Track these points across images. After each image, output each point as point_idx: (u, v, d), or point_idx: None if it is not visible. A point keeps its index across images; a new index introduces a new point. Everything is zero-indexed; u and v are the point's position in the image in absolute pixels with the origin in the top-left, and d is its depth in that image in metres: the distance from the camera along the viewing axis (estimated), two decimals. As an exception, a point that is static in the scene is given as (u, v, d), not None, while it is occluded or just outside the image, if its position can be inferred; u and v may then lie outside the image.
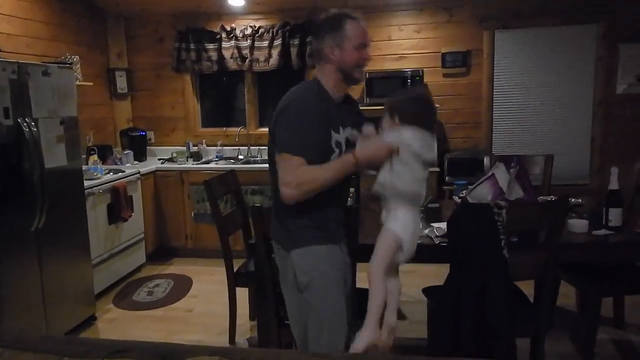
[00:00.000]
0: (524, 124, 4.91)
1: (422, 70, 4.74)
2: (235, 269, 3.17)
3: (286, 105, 1.82)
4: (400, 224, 1.79)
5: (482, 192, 2.55)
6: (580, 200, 3.06)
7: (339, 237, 1.94)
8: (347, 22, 1.84)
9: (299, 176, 1.72)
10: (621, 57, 4.61)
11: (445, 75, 4.95)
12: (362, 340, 1.72)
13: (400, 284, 1.91)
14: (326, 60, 1.87)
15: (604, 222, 2.51)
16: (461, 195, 3.08)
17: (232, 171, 3.56)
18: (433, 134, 1.84)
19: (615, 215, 2.47)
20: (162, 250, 4.94)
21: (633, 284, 2.79)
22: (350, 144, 1.89)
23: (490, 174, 2.61)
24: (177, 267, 4.73)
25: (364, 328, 1.75)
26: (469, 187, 2.76)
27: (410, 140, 1.76)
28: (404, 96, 1.92)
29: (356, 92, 4.68)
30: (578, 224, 2.50)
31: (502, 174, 2.62)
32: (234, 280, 3.15)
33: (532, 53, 4.79)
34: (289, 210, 1.86)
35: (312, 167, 1.75)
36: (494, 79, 4.88)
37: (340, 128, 1.89)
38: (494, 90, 4.90)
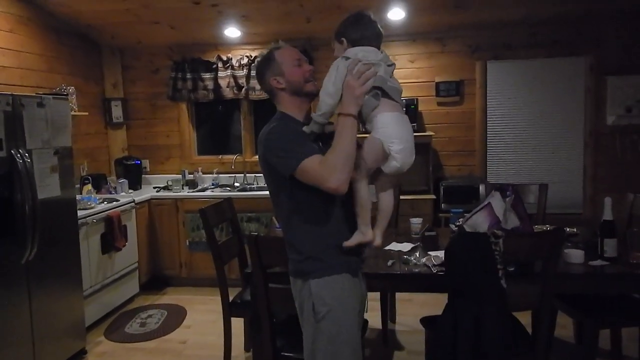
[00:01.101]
0: (518, 153, 4.95)
1: (417, 99, 4.80)
2: (230, 299, 3.13)
3: (269, 134, 1.85)
4: (381, 130, 1.78)
5: (478, 221, 2.53)
6: (575, 230, 3.06)
7: (357, 267, 1.93)
8: (276, 53, 1.94)
9: (327, 165, 1.71)
10: (609, 89, 4.68)
11: (439, 104, 5.00)
12: (353, 239, 1.83)
13: (392, 199, 1.92)
14: (277, 91, 1.94)
15: (599, 253, 2.51)
16: (458, 223, 3.07)
17: (229, 199, 3.54)
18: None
19: (610, 246, 2.47)
20: (155, 280, 4.88)
21: (630, 316, 2.76)
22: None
23: (486, 202, 2.60)
24: (170, 297, 4.67)
25: (357, 232, 1.84)
26: (466, 215, 2.75)
27: (353, 54, 1.80)
28: (343, 21, 1.93)
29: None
30: (574, 254, 2.50)
31: (498, 203, 2.62)
32: (229, 310, 3.11)
33: (524, 83, 4.86)
34: (305, 240, 1.86)
35: (327, 153, 1.75)
36: (487, 108, 4.94)
37: (320, 143, 1.92)
38: (487, 119, 4.95)
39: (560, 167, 4.88)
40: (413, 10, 4.44)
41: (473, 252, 2.14)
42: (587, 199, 4.83)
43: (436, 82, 4.95)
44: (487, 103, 4.93)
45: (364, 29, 1.85)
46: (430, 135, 4.75)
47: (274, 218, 3.61)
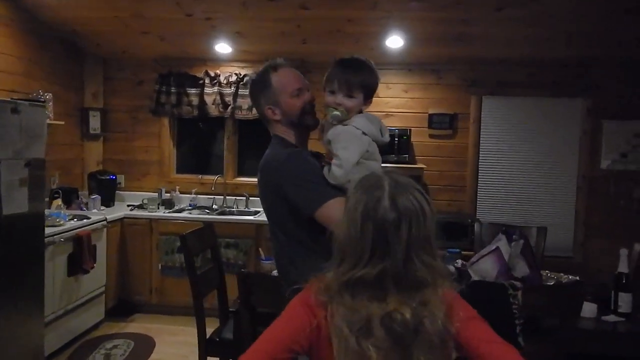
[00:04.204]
0: (509, 191, 4.83)
1: (410, 130, 4.66)
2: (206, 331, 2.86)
3: (286, 162, 1.66)
4: None
5: (486, 267, 2.37)
6: (577, 278, 2.92)
7: None
8: (272, 76, 1.76)
9: None
10: (605, 133, 4.60)
11: (431, 136, 4.87)
12: None
13: None
14: (272, 121, 1.77)
15: (612, 307, 2.35)
16: (457, 264, 2.90)
17: (210, 225, 3.31)
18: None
19: (625, 301, 2.32)
20: (122, 305, 4.55)
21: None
22: None
23: (494, 247, 2.44)
24: (138, 325, 4.34)
25: None
26: (472, 260, 2.58)
27: (367, 130, 1.68)
28: (360, 69, 1.75)
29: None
30: (587, 308, 2.34)
31: (504, 247, 2.46)
32: (206, 349, 2.83)
33: (519, 121, 4.77)
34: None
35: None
36: (480, 144, 4.83)
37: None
38: (480, 155, 4.83)
39: (552, 208, 4.77)
40: (412, 39, 4.33)
41: (487, 304, 1.95)
42: (578, 244, 4.72)
43: (429, 114, 4.83)
44: (481, 139, 4.83)
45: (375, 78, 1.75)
46: (422, 168, 4.61)
47: (260, 250, 3.38)
